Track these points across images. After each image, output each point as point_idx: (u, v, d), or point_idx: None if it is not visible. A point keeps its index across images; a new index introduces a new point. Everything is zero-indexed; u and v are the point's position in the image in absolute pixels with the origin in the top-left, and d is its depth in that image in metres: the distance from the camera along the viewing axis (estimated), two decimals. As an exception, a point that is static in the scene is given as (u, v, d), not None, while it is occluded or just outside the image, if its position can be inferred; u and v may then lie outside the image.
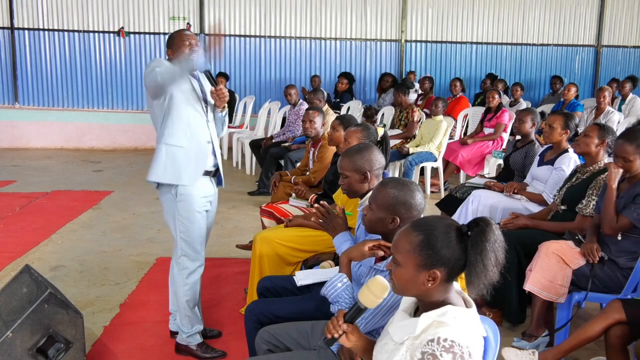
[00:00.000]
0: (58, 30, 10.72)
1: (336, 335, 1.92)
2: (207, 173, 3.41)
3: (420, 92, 10.17)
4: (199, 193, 3.35)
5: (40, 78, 10.89)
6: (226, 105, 3.45)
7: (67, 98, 10.99)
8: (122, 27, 10.75)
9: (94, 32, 10.79)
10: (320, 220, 2.87)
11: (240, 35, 10.96)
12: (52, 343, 2.99)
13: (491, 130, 7.78)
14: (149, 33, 10.81)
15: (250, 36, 11.00)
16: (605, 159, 3.93)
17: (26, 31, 10.70)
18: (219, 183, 3.56)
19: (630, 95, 8.88)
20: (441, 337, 1.66)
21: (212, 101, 3.40)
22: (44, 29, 10.71)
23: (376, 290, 1.86)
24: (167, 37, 3.47)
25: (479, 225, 1.76)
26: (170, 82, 3.13)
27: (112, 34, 10.80)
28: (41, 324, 2.94)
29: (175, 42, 3.33)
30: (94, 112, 11.05)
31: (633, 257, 3.38)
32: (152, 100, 3.28)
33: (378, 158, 2.96)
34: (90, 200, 7.14)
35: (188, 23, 10.75)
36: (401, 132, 8.01)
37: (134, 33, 10.82)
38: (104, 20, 10.75)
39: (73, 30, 10.75)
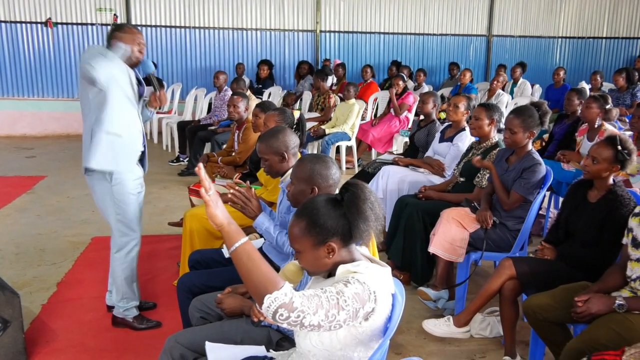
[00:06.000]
0: (-16, 20, 10.02)
1: (262, 318, 2.02)
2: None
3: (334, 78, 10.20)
4: (131, 177, 3.27)
5: (-32, 68, 10.17)
6: None
7: (-4, 87, 10.32)
8: (50, 18, 10.14)
9: (21, 22, 10.11)
10: (238, 206, 2.82)
11: (166, 26, 10.60)
12: (-11, 323, 2.84)
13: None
14: (77, 24, 10.25)
15: (175, 27, 10.65)
16: (496, 137, 4.08)
17: (-49, 22, 9.95)
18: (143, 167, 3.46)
19: (521, 79, 9.21)
20: (355, 277, 1.69)
21: (146, 97, 3.35)
22: (-31, 20, 9.98)
23: (291, 276, 1.91)
24: (114, 26, 3.28)
25: (349, 189, 1.79)
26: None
27: (39, 25, 10.17)
28: (-22, 305, 2.79)
29: (129, 38, 3.18)
30: (24, 100, 10.42)
31: (520, 221, 3.55)
32: (88, 87, 3.10)
33: (292, 138, 2.96)
34: (24, 185, 6.78)
35: (115, 14, 10.29)
36: (319, 115, 8.05)
37: (62, 24, 10.23)
38: (31, 10, 10.08)
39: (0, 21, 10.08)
